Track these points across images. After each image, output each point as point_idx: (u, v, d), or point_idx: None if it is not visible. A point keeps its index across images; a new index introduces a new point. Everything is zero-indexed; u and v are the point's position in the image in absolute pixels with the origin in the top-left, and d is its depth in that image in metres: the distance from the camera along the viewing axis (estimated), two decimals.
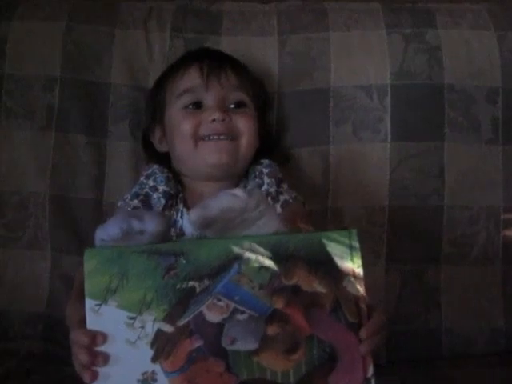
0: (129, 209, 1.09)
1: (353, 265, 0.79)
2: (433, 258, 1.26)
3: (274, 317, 0.78)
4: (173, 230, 1.09)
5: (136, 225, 0.79)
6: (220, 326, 0.78)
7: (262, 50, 1.29)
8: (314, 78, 1.27)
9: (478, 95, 1.27)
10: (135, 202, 1.11)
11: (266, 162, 1.16)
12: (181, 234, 1.09)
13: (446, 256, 1.26)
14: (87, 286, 0.79)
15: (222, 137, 1.10)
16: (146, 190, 1.12)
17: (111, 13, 1.32)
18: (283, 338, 0.77)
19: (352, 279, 0.79)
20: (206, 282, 0.78)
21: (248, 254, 0.79)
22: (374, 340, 0.79)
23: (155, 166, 1.15)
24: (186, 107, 1.12)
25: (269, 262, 0.78)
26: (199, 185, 1.13)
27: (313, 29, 1.29)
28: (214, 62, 1.14)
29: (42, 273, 1.26)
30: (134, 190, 1.14)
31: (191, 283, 0.78)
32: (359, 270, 0.79)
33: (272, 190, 1.12)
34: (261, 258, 0.79)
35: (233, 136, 1.11)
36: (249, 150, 1.13)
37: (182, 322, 0.78)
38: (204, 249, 0.79)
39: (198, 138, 1.10)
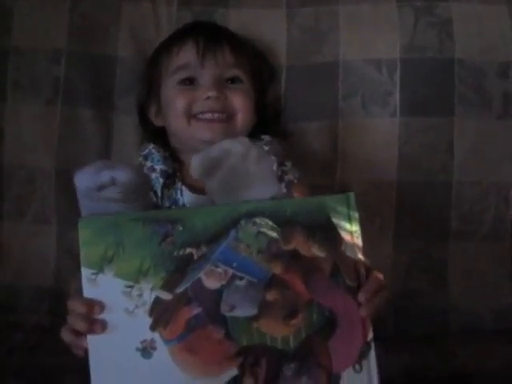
0: None
1: (351, 228, 0.79)
2: (441, 234, 1.25)
3: (272, 282, 0.77)
4: (168, 204, 1.09)
5: (106, 175, 0.79)
6: (219, 293, 0.77)
7: (270, 23, 1.27)
8: (323, 52, 1.26)
9: (489, 70, 1.26)
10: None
11: (266, 138, 1.14)
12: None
13: (455, 233, 1.25)
14: (83, 256, 0.78)
15: (216, 115, 1.09)
16: (145, 171, 1.10)
17: None
18: (282, 304, 0.77)
19: (350, 242, 0.79)
20: (204, 248, 0.78)
21: (245, 220, 0.78)
22: (373, 302, 0.79)
23: (151, 146, 1.14)
24: (181, 83, 1.11)
25: (266, 228, 0.78)
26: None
27: (322, 2, 1.28)
28: (210, 37, 1.11)
29: (49, 247, 1.27)
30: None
31: (188, 250, 0.77)
32: (357, 234, 0.79)
33: (274, 168, 1.08)
34: (258, 224, 0.78)
35: (227, 114, 1.10)
36: (244, 127, 1.12)
37: (180, 290, 0.77)
38: (200, 216, 0.78)
39: (191, 116, 1.09)
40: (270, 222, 0.78)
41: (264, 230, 0.78)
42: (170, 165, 1.11)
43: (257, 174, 0.80)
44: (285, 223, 0.78)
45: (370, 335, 0.78)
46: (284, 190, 1.07)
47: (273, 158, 1.08)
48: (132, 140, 1.26)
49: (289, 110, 1.26)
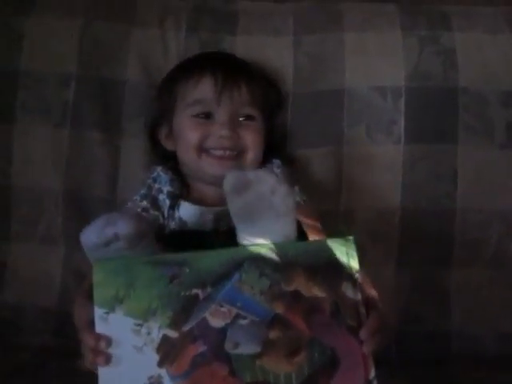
0: (139, 209, 1.11)
1: (350, 270, 0.81)
2: (444, 260, 1.26)
3: (275, 321, 0.79)
4: (173, 223, 1.10)
5: (109, 230, 0.82)
6: (223, 331, 0.79)
7: (276, 50, 1.29)
8: (329, 79, 1.28)
9: (493, 99, 1.27)
10: (144, 203, 1.12)
11: (277, 162, 1.17)
12: (182, 224, 1.10)
13: (457, 259, 1.26)
14: (96, 296, 0.82)
15: (227, 152, 1.11)
16: (153, 192, 1.14)
17: (128, 10, 1.33)
18: (285, 342, 0.79)
19: (350, 284, 0.80)
20: (209, 289, 0.80)
21: (248, 263, 0.81)
22: (374, 340, 0.80)
23: (159, 168, 1.17)
24: (196, 116, 1.13)
25: (268, 270, 0.81)
26: (203, 187, 1.15)
27: (328, 29, 1.30)
28: (228, 75, 1.13)
29: (55, 268, 1.28)
30: (142, 191, 1.15)
31: (194, 291, 0.80)
32: (357, 275, 0.81)
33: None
34: (261, 266, 0.81)
35: (238, 151, 1.12)
36: (253, 164, 1.14)
37: (186, 328, 0.80)
38: (206, 258, 0.82)
39: (202, 150, 1.12)
40: (272, 265, 0.80)
41: (266, 272, 0.80)
42: (176, 186, 1.13)
43: (280, 208, 0.83)
44: (286, 265, 0.81)
45: (372, 373, 0.79)
46: None
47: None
48: (140, 164, 1.28)
49: (294, 136, 1.28)
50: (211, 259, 0.81)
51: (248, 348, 0.78)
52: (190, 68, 1.16)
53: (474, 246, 1.26)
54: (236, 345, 0.78)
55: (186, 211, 1.10)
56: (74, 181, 1.28)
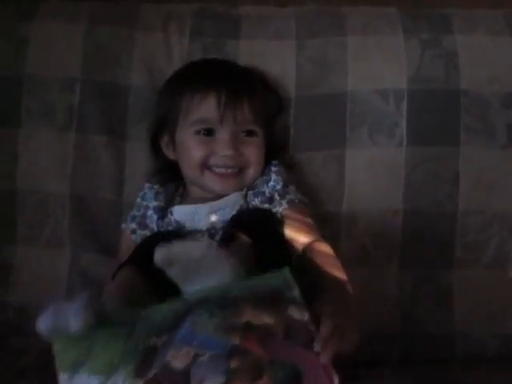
0: (128, 231, 1.19)
1: (293, 295, 0.84)
2: (446, 262, 1.27)
3: (233, 352, 0.81)
4: (170, 228, 1.14)
5: (62, 323, 0.85)
6: (186, 372, 0.80)
7: (279, 53, 1.30)
8: (331, 82, 1.28)
9: (494, 101, 1.28)
10: (133, 225, 1.19)
11: (274, 162, 1.20)
12: (180, 227, 1.14)
13: (459, 260, 1.26)
14: (58, 363, 0.85)
15: (229, 170, 1.14)
16: (142, 210, 1.19)
17: (131, 15, 1.34)
18: (246, 368, 0.80)
19: (295, 307, 0.83)
20: (165, 336, 0.82)
21: (197, 307, 0.84)
22: (330, 347, 0.81)
23: (146, 186, 1.21)
24: (198, 133, 1.15)
25: (217, 310, 0.83)
26: (203, 193, 1.18)
27: (330, 33, 1.30)
28: (232, 93, 1.13)
29: (61, 271, 1.29)
30: (132, 212, 1.20)
31: (152, 341, 0.82)
32: (299, 298, 0.83)
33: (278, 187, 1.15)
34: (209, 308, 0.83)
35: (240, 167, 1.15)
36: (254, 179, 1.17)
37: (150, 376, 0.81)
38: (158, 312, 0.85)
39: (205, 167, 1.15)
40: (220, 304, 0.83)
41: (215, 312, 0.83)
42: (162, 198, 1.19)
43: (213, 264, 0.87)
44: (233, 302, 0.83)
45: (336, 380, 0.80)
46: (286, 206, 1.12)
47: (279, 177, 1.16)
48: (144, 167, 1.28)
49: (297, 139, 1.28)
50: (162, 312, 0.84)
51: (213, 381, 0.79)
52: (194, 83, 1.16)
53: (475, 247, 1.27)
54: (201, 380, 0.79)
55: (180, 213, 1.15)
56: (79, 184, 1.30)
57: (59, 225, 1.30)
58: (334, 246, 1.24)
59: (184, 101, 1.15)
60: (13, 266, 1.30)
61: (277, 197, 1.14)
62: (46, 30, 1.33)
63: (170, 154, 1.21)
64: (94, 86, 1.31)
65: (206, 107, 1.13)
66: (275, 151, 1.23)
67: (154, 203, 1.18)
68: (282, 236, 1.07)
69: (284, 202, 1.13)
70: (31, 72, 1.31)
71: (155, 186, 1.21)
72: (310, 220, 1.13)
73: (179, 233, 1.10)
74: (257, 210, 1.12)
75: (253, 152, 1.15)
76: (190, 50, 1.31)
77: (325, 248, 1.07)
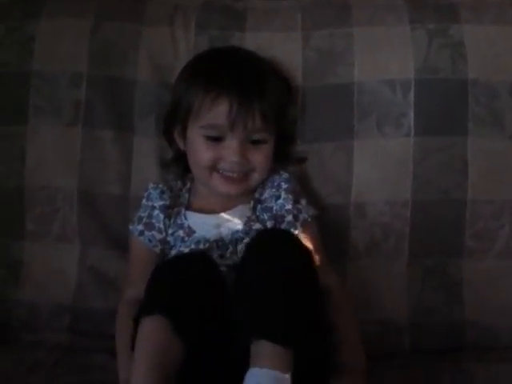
0: (136, 233, 1.19)
1: None
2: (455, 251, 1.26)
3: None
4: (181, 231, 1.17)
5: None
6: None
7: (285, 45, 1.29)
8: (338, 73, 1.28)
9: (502, 90, 1.27)
10: (140, 226, 1.19)
11: (285, 175, 1.21)
12: (191, 232, 1.17)
13: (469, 250, 1.26)
14: None
15: (235, 174, 1.15)
16: (148, 211, 1.20)
17: (137, 10, 1.33)
18: None
19: None
20: None
21: None
22: None
23: (150, 186, 1.22)
24: (208, 138, 1.15)
25: None
26: (210, 194, 1.20)
27: (336, 24, 1.30)
28: (244, 99, 1.12)
29: (70, 266, 1.29)
30: (139, 213, 1.21)
31: None
32: None
33: (288, 207, 1.17)
34: None
35: (246, 171, 1.16)
36: (260, 181, 1.19)
37: None
38: None
39: (213, 169, 1.16)
40: None
41: None
42: (167, 197, 1.20)
43: None
44: None
45: None
46: (300, 230, 1.15)
47: (290, 196, 1.17)
48: (152, 161, 1.29)
49: (304, 130, 1.28)
50: None
51: None
52: (208, 83, 1.14)
53: (485, 236, 1.26)
54: None
55: (193, 220, 1.18)
56: (87, 179, 1.30)
57: (67, 220, 1.30)
58: (343, 237, 1.25)
59: (196, 100, 1.14)
60: (22, 263, 1.30)
61: (289, 218, 1.16)
62: (53, 27, 1.32)
63: (181, 144, 1.21)
64: (101, 82, 1.31)
65: (217, 113, 1.13)
66: (285, 144, 1.24)
67: (160, 202, 1.19)
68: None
69: (298, 225, 1.16)
70: (38, 69, 1.31)
71: (160, 185, 1.21)
72: (319, 237, 1.17)
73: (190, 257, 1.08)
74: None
75: (260, 159, 1.16)
76: (196, 43, 1.30)
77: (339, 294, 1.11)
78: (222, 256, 1.11)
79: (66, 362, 1.19)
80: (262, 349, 0.91)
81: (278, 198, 1.18)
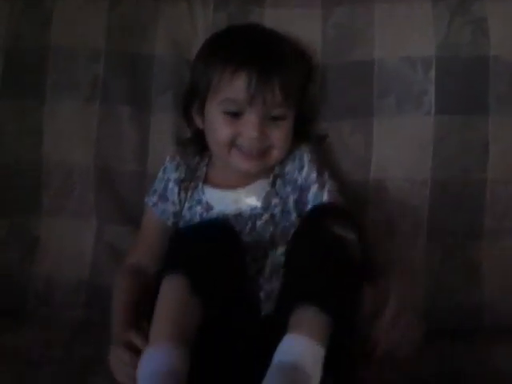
0: (150, 204, 1.20)
1: None
2: (474, 232, 1.25)
3: None
4: (199, 207, 1.16)
5: None
6: None
7: (305, 22, 1.28)
8: (358, 51, 1.27)
9: None
10: (154, 198, 1.20)
11: (306, 149, 1.20)
12: (209, 208, 1.16)
13: (488, 231, 1.25)
14: None
15: (254, 150, 1.14)
16: (163, 183, 1.20)
17: None
18: None
19: None
20: None
21: None
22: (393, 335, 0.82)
23: (167, 159, 1.22)
24: (227, 113, 1.13)
25: None
26: (227, 168, 1.18)
27: (356, 1, 1.28)
28: (263, 74, 1.10)
29: (86, 242, 1.30)
30: (154, 185, 1.21)
31: None
32: None
33: (313, 175, 1.16)
34: None
35: (266, 148, 1.14)
36: (279, 159, 1.17)
37: None
38: None
39: (232, 145, 1.14)
40: None
41: None
42: (183, 170, 1.19)
43: None
44: None
45: None
46: (326, 198, 1.14)
47: (313, 165, 1.17)
48: (168, 137, 1.29)
49: (324, 108, 1.27)
50: None
51: None
52: (226, 58, 1.13)
53: (504, 216, 1.25)
54: None
55: (211, 195, 1.16)
56: (104, 155, 1.30)
57: (84, 196, 1.30)
58: (362, 215, 1.24)
59: (215, 75, 1.13)
60: (39, 239, 1.31)
61: (315, 188, 1.15)
62: (71, 2, 1.32)
63: (198, 122, 1.20)
64: (119, 58, 1.31)
65: (236, 87, 1.11)
66: (305, 122, 1.23)
67: (175, 175, 1.19)
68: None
69: (325, 194, 1.15)
70: (56, 44, 1.31)
71: (176, 158, 1.21)
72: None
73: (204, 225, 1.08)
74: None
75: (279, 136, 1.14)
76: (214, 19, 1.29)
77: None
78: (240, 232, 1.09)
79: (82, 337, 1.19)
80: (304, 317, 0.91)
81: (301, 169, 1.17)
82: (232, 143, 1.14)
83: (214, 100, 1.14)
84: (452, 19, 1.25)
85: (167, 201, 1.18)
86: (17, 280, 1.30)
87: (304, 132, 1.23)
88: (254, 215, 1.14)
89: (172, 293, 0.95)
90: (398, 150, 1.25)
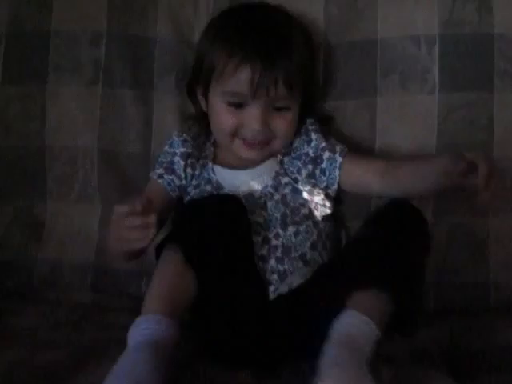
0: (154, 177, 1.18)
1: None
2: (480, 210, 1.24)
3: None
4: (209, 186, 1.15)
5: None
6: None
7: (307, 1, 1.26)
8: (361, 29, 1.26)
9: None
10: (160, 170, 1.18)
11: (309, 121, 1.20)
12: (219, 187, 1.16)
13: (495, 208, 1.23)
14: None
15: (257, 140, 1.13)
16: (170, 157, 1.19)
17: None
18: None
19: None
20: None
21: None
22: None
23: (174, 133, 1.21)
24: (229, 104, 1.12)
25: None
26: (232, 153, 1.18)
27: None
28: (268, 66, 1.08)
29: (92, 225, 1.30)
30: (160, 159, 1.20)
31: None
32: None
33: (323, 144, 1.17)
34: None
35: (269, 138, 1.14)
36: (282, 148, 1.17)
37: None
38: None
39: (235, 136, 1.14)
40: None
41: None
42: (190, 146, 1.18)
43: None
44: None
45: None
46: (340, 159, 1.16)
47: (320, 135, 1.17)
48: (172, 119, 1.28)
49: (327, 87, 1.26)
50: None
51: None
52: (231, 46, 1.11)
53: (510, 194, 1.24)
54: None
55: (221, 175, 1.16)
56: (107, 138, 1.30)
57: (89, 180, 1.30)
58: (366, 197, 1.24)
59: (219, 62, 1.11)
60: (45, 223, 1.31)
61: (327, 154, 1.16)
62: None
63: (203, 106, 1.19)
64: (120, 40, 1.30)
65: (239, 80, 1.09)
66: (310, 103, 1.22)
67: (182, 149, 1.18)
68: None
69: (337, 156, 1.16)
70: (57, 28, 1.30)
71: (184, 135, 1.20)
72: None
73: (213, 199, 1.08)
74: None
75: (282, 127, 1.14)
76: (216, 0, 1.28)
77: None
78: (252, 212, 1.09)
79: (89, 320, 1.19)
80: (363, 298, 0.96)
81: (310, 142, 1.17)
82: (235, 133, 1.13)
83: (217, 88, 1.13)
84: None
85: (174, 173, 1.17)
86: (23, 265, 1.30)
87: (309, 112, 1.22)
88: (264, 194, 1.13)
89: (167, 264, 0.97)
90: (402, 128, 1.25)
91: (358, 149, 1.24)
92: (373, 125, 1.25)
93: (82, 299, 1.27)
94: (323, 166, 1.16)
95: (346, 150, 1.18)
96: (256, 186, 1.14)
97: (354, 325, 0.92)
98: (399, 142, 1.25)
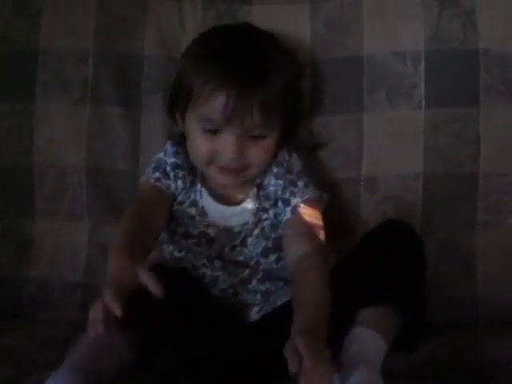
0: (151, 180, 1.16)
1: None
2: (468, 225, 1.25)
3: None
4: (194, 209, 1.15)
5: None
6: None
7: (294, 18, 1.27)
8: (347, 45, 1.26)
9: None
10: (156, 174, 1.16)
11: (277, 159, 1.17)
12: (203, 213, 1.16)
13: (482, 223, 1.25)
14: None
15: (232, 167, 1.11)
16: (163, 165, 1.17)
17: None
18: None
19: None
20: None
21: None
22: None
23: (169, 142, 1.19)
24: (204, 130, 1.11)
25: None
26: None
27: None
28: (242, 95, 1.05)
29: (80, 243, 1.30)
30: (153, 165, 1.18)
31: None
32: None
33: (279, 193, 1.14)
34: None
35: (243, 166, 1.12)
36: (256, 174, 1.15)
37: None
38: None
39: (210, 162, 1.12)
40: None
41: None
42: (180, 158, 1.17)
43: None
44: None
45: None
46: (289, 215, 1.12)
47: (279, 181, 1.15)
48: (159, 137, 1.28)
49: (314, 104, 1.27)
50: None
51: None
52: (206, 72, 1.08)
53: (497, 209, 1.25)
54: None
55: (208, 203, 1.16)
56: (96, 156, 1.30)
57: (77, 198, 1.30)
58: (354, 211, 1.24)
59: (195, 87, 1.09)
60: (33, 240, 1.31)
61: (280, 204, 1.14)
62: (59, 2, 1.31)
63: (181, 127, 1.18)
64: (108, 58, 1.30)
65: (213, 106, 1.07)
66: (293, 126, 1.20)
67: (172, 159, 1.16)
68: None
69: (288, 210, 1.12)
70: (45, 46, 1.30)
71: (177, 146, 1.18)
72: (315, 221, 1.11)
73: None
74: None
75: (258, 155, 1.11)
76: (203, 17, 1.29)
77: (313, 264, 1.04)
78: (232, 248, 1.11)
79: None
80: (372, 315, 1.00)
81: (274, 184, 1.15)
82: (210, 161, 1.11)
83: (193, 113, 1.11)
84: (441, 12, 1.24)
85: (169, 179, 1.16)
86: (11, 283, 1.30)
87: (291, 134, 1.20)
88: (244, 230, 1.14)
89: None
90: (389, 144, 1.25)
91: (346, 164, 1.25)
92: (360, 141, 1.25)
93: (72, 317, 1.26)
94: (278, 210, 1.14)
95: (303, 202, 1.12)
96: (237, 222, 1.15)
97: (368, 342, 0.96)
98: (386, 158, 1.26)
